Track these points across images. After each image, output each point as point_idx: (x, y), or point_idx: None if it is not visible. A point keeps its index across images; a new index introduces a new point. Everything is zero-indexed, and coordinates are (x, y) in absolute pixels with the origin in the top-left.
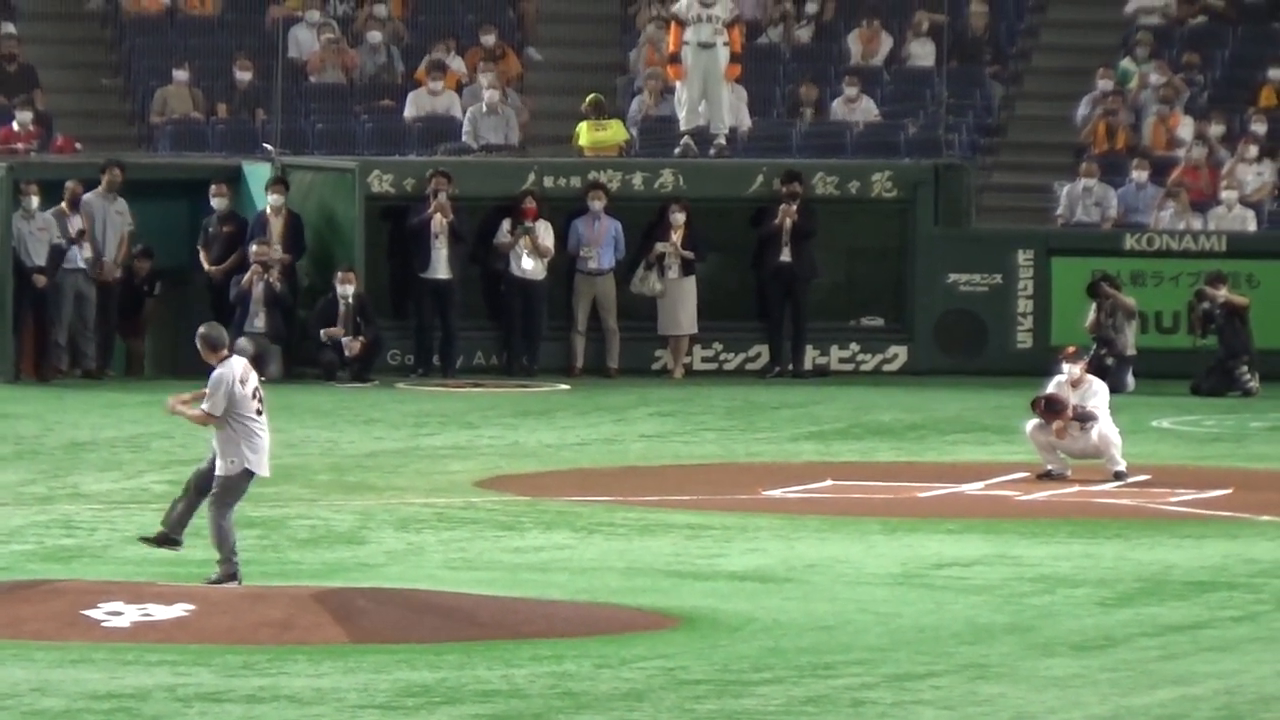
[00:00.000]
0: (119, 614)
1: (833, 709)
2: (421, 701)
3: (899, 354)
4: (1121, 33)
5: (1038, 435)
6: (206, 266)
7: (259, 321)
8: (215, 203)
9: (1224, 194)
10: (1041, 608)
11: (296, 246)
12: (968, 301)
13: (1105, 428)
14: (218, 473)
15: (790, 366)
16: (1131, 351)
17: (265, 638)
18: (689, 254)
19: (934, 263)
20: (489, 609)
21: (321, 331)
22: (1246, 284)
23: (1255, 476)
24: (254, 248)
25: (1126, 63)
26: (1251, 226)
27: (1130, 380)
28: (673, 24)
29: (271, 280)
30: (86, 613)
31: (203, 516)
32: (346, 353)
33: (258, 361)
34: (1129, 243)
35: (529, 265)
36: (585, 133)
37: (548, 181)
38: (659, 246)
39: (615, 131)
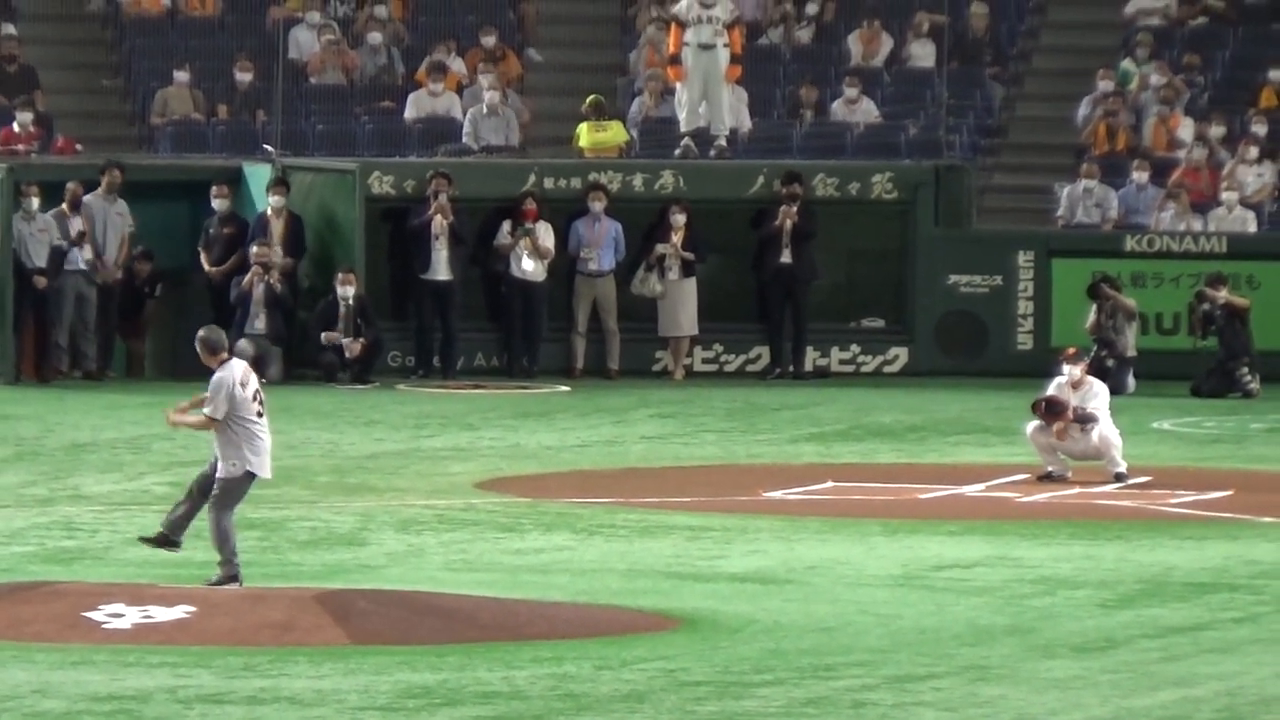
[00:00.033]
0: (120, 616)
1: (833, 710)
2: (422, 703)
3: (899, 355)
4: (1122, 34)
5: (1038, 437)
6: (207, 268)
7: (259, 323)
8: (216, 204)
9: (1224, 195)
10: (1042, 609)
11: (297, 248)
12: (968, 303)
13: (1106, 429)
14: (219, 475)
15: (791, 368)
16: (1132, 353)
17: (266, 639)
18: (689, 255)
19: (934, 264)
20: (490, 610)
21: (322, 335)
22: (1247, 285)
23: (1256, 478)
24: (254, 249)
25: (1127, 64)
26: (1252, 228)
27: (1131, 382)
28: (673, 25)
29: (272, 282)
30: (87, 614)
31: (204, 518)
32: (347, 354)
33: (258, 363)
34: (1129, 244)
35: (529, 266)
36: (585, 134)
37: (548, 183)
38: (659, 248)
39: (615, 133)
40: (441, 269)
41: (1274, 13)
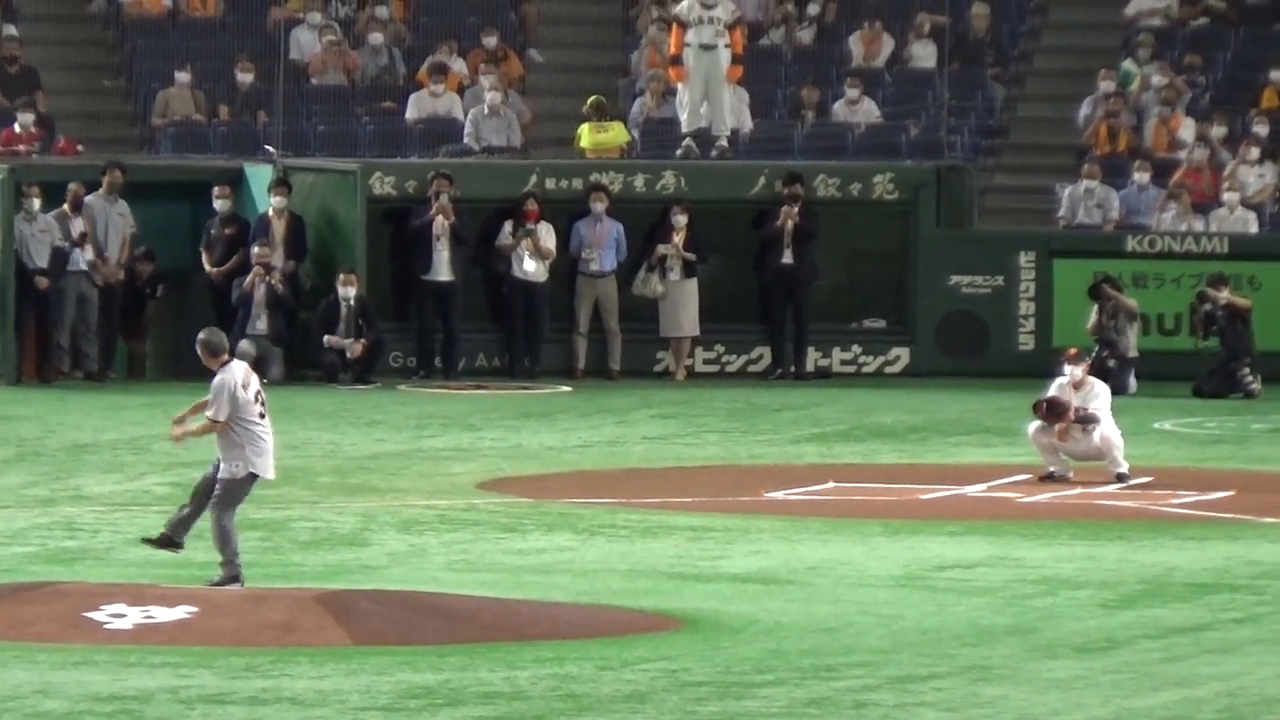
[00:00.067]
0: (121, 616)
1: (835, 711)
2: (424, 703)
3: (901, 356)
4: (1123, 34)
5: (1040, 437)
6: (208, 269)
7: (261, 324)
8: (217, 205)
9: (1226, 196)
10: (1044, 610)
11: (299, 249)
12: (969, 303)
13: (1107, 430)
14: (221, 475)
15: (792, 368)
16: (1133, 353)
17: (267, 640)
18: (691, 256)
19: (936, 264)
20: (491, 611)
21: (324, 339)
22: (1248, 286)
23: (1257, 478)
24: (256, 250)
25: (1128, 64)
26: (1253, 228)
27: (1132, 382)
28: (674, 26)
29: (273, 282)
30: (89, 615)
31: (206, 519)
32: (348, 355)
33: (259, 364)
34: (1131, 244)
35: (531, 267)
36: (587, 135)
37: (549, 183)
38: (661, 248)
39: (617, 133)
40: (443, 270)
41: (1275, 13)
